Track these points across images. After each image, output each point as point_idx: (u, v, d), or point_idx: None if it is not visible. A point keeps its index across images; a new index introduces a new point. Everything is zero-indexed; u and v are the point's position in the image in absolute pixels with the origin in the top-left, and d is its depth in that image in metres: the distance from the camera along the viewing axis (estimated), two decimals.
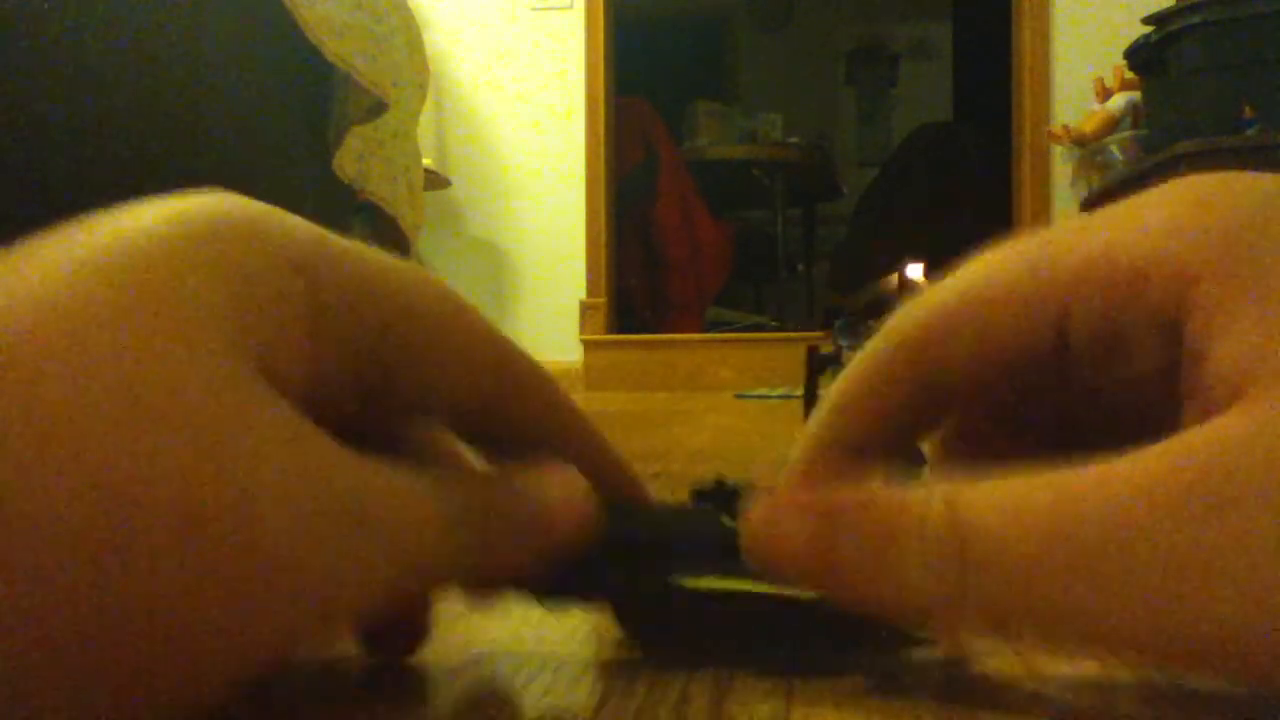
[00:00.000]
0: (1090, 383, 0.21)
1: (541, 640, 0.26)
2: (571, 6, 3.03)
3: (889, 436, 0.22)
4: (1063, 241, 0.21)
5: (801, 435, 0.23)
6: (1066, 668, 0.23)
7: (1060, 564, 0.17)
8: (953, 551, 0.18)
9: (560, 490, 0.22)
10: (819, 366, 1.07)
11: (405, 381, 0.20)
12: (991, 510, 0.18)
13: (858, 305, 3.80)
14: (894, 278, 3.94)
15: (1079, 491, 0.17)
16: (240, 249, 0.18)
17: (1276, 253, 0.18)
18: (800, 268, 4.29)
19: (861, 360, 0.23)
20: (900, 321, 0.22)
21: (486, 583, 0.22)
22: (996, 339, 0.21)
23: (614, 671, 0.23)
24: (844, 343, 1.55)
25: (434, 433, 0.23)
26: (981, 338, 0.21)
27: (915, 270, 3.88)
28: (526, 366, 0.22)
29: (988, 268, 0.21)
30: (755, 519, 0.21)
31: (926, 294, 0.22)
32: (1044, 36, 2.81)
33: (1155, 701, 0.20)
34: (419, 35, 1.63)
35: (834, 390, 0.23)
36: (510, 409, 0.22)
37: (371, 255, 0.20)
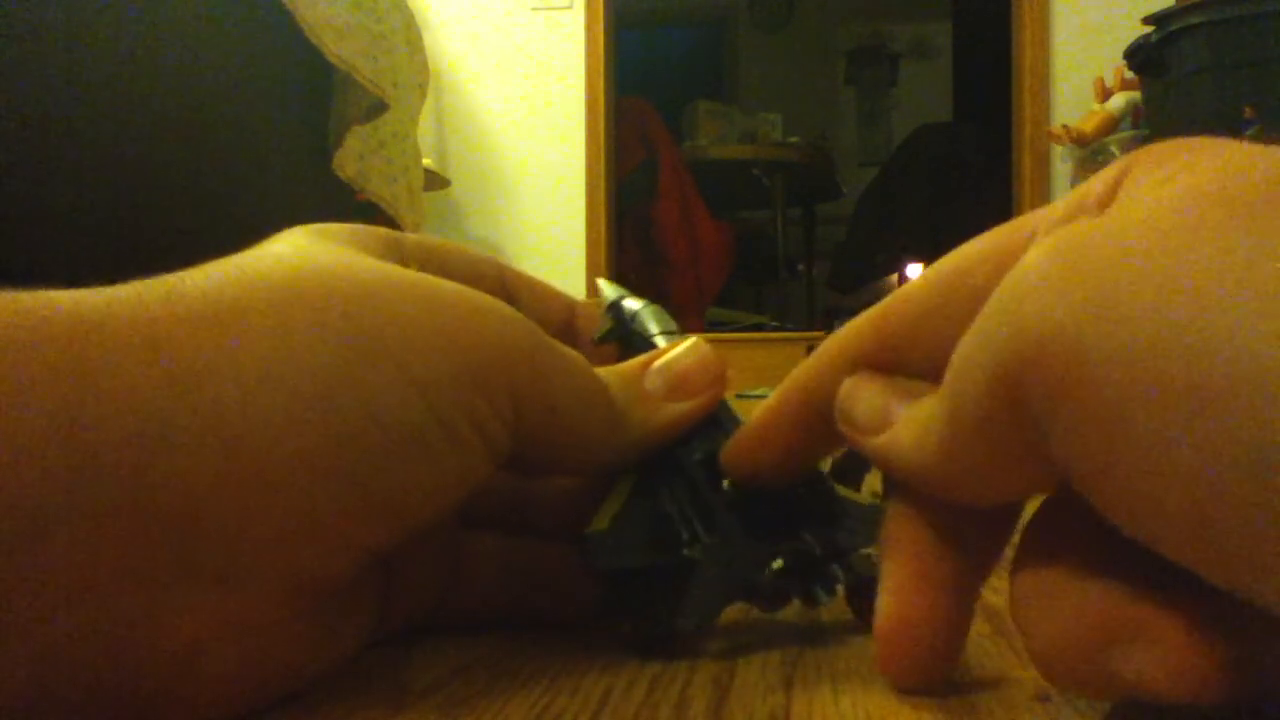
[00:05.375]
0: None
1: (543, 642, 0.26)
2: (571, 6, 3.03)
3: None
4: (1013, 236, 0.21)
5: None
6: None
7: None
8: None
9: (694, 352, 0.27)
10: None
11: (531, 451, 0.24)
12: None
13: (858, 305, 3.79)
14: (894, 278, 3.94)
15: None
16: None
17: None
18: (800, 268, 4.29)
19: (840, 330, 0.24)
20: (889, 297, 0.23)
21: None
22: (945, 317, 0.21)
23: (614, 671, 0.23)
24: None
25: None
26: (934, 317, 0.21)
27: (915, 270, 3.88)
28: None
29: (958, 255, 0.22)
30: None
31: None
32: (1044, 36, 2.81)
33: (1154, 706, 0.20)
34: (419, 35, 1.63)
35: (817, 350, 0.24)
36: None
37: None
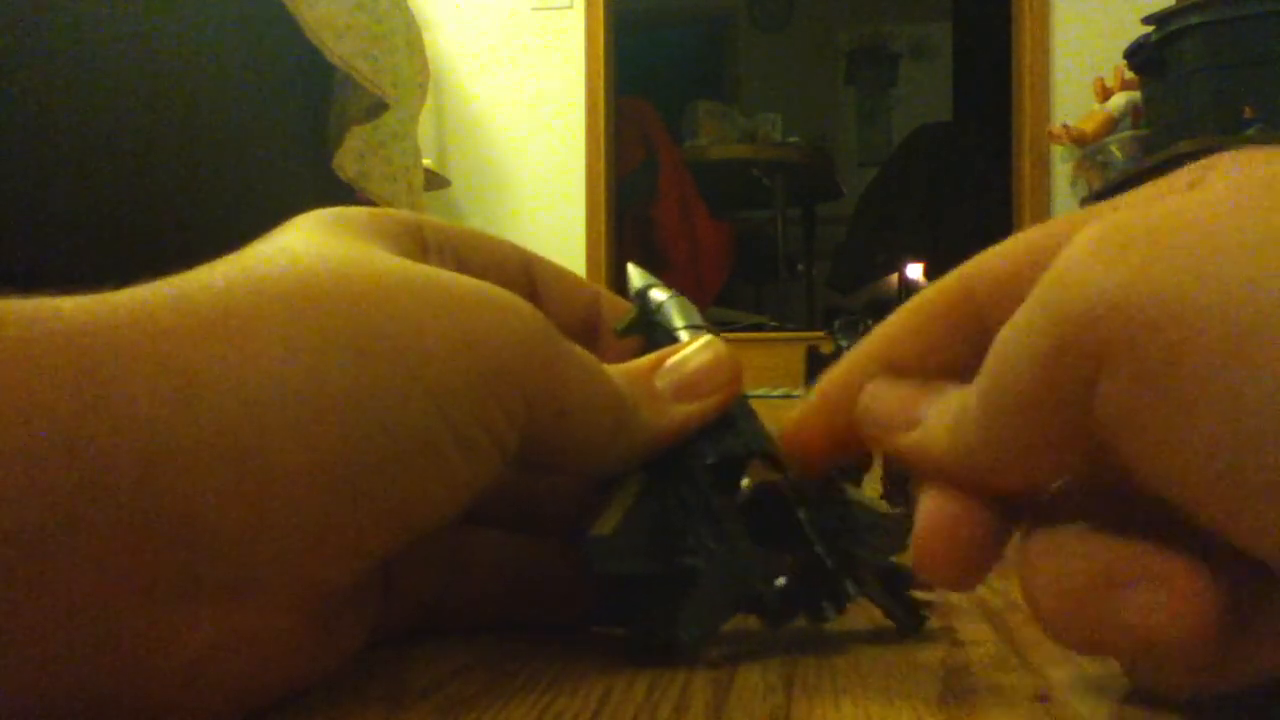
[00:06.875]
0: None
1: (543, 642, 0.26)
2: (571, 6, 3.03)
3: (925, 374, 0.23)
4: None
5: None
6: (1068, 668, 0.23)
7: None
8: None
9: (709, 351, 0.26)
10: (819, 366, 1.07)
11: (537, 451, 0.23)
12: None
13: (858, 305, 3.80)
14: (894, 278, 3.94)
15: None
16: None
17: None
18: (800, 268, 4.29)
19: (913, 298, 0.24)
20: (957, 270, 0.23)
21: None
22: (1028, 279, 0.20)
23: (614, 672, 0.23)
24: (844, 343, 1.55)
25: None
26: (1017, 279, 0.21)
27: (915, 270, 3.88)
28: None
29: (1044, 225, 0.22)
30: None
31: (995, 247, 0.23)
32: (1044, 36, 2.81)
33: (1155, 704, 0.20)
34: (419, 35, 1.63)
35: (883, 323, 0.24)
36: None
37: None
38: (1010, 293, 0.21)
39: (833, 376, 0.25)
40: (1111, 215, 0.18)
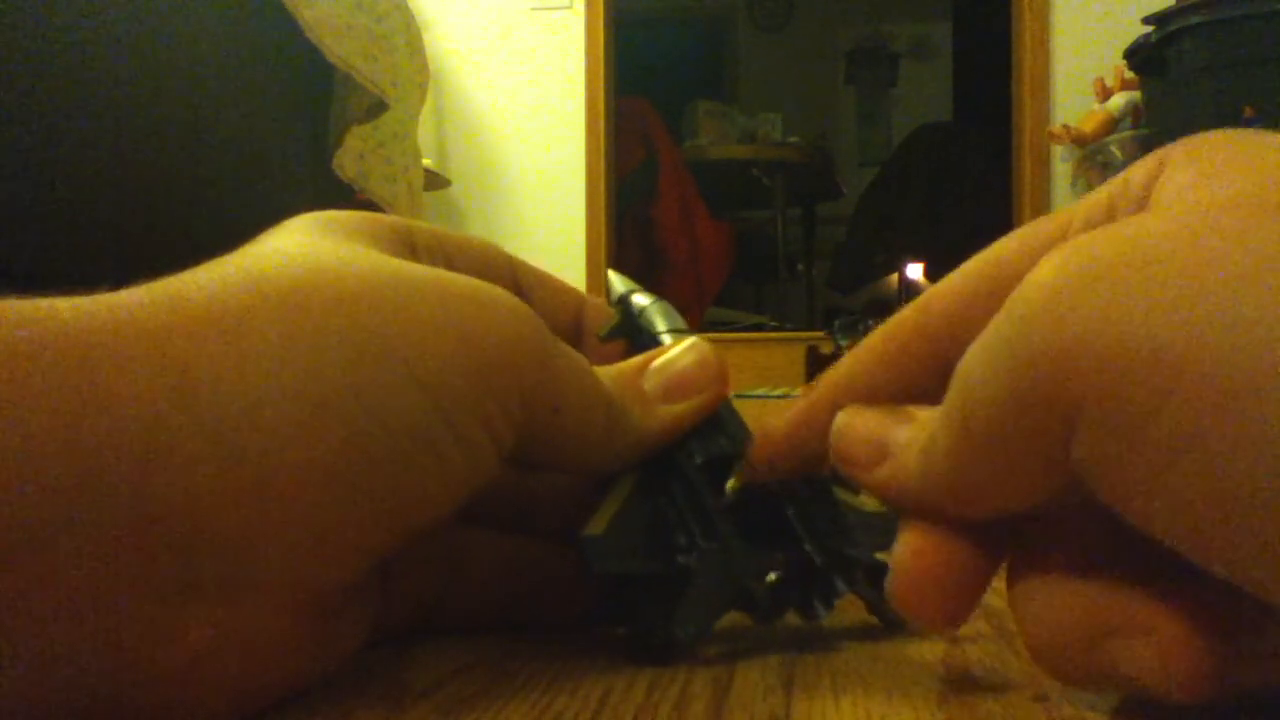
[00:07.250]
0: None
1: (543, 642, 0.26)
2: (571, 6, 3.03)
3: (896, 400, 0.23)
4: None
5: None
6: None
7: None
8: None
9: (695, 353, 0.26)
10: (819, 366, 1.07)
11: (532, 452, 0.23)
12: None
13: (858, 305, 3.80)
14: (894, 278, 3.94)
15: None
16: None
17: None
18: (800, 268, 4.29)
19: (884, 325, 0.23)
20: (915, 300, 0.23)
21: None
22: (985, 309, 0.20)
23: (614, 672, 0.23)
24: (844, 343, 1.55)
25: None
26: (974, 308, 0.21)
27: (915, 270, 3.88)
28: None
29: (997, 247, 0.22)
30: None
31: (963, 265, 0.22)
32: (1044, 36, 2.81)
33: (1155, 704, 0.20)
34: (419, 35, 1.63)
35: (846, 356, 0.24)
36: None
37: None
38: (967, 321, 0.21)
39: (799, 409, 0.24)
40: (1069, 245, 0.17)
